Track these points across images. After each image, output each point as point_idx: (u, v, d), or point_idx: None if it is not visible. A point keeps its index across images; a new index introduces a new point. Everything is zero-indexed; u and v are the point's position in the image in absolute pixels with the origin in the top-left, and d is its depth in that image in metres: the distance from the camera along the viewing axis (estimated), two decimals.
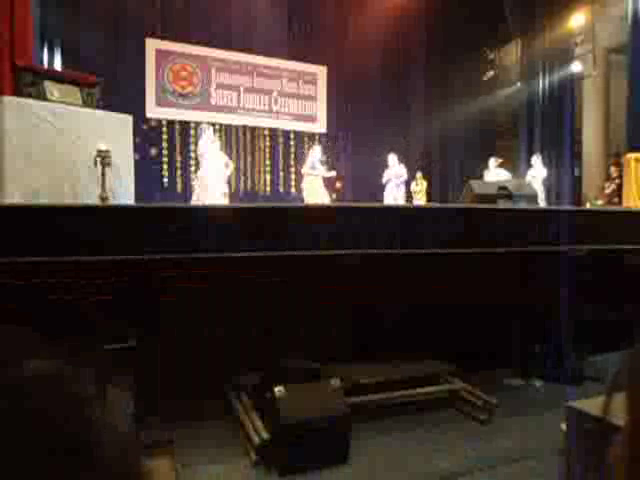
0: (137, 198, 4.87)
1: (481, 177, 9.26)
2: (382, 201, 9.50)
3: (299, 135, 11.50)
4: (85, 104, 4.52)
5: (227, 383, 3.00)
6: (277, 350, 2.97)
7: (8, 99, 3.94)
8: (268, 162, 11.15)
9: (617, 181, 8.37)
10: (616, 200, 8.17)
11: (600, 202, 9.04)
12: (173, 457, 2.21)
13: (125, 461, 0.41)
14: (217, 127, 10.04)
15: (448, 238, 3.10)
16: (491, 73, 11.87)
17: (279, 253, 2.69)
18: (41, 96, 4.17)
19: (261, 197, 10.86)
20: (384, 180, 9.64)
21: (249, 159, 10.96)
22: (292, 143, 11.43)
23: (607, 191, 8.72)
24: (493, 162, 9.48)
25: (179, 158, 10.18)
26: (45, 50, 8.37)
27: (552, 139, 10.42)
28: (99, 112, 4.56)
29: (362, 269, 3.07)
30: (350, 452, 2.47)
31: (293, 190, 11.19)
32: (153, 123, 10.01)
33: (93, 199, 4.10)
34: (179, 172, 10.15)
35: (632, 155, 7.34)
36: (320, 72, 11.79)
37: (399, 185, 9.63)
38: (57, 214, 2.43)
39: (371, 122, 11.44)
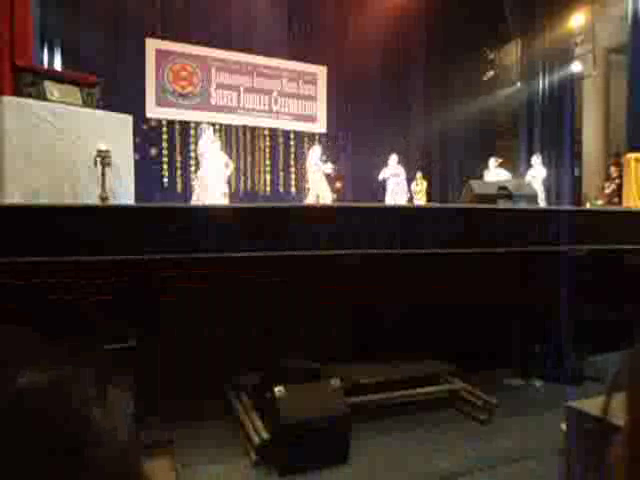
0: (137, 198, 4.86)
1: (481, 177, 9.27)
2: (382, 201, 9.52)
3: (299, 135, 11.51)
4: (85, 104, 4.51)
5: (227, 383, 3.00)
6: (277, 350, 2.97)
7: (8, 99, 3.93)
8: (268, 162, 11.15)
9: (617, 181, 8.37)
10: (616, 200, 8.17)
11: (600, 202, 9.05)
12: (173, 457, 2.21)
13: (125, 461, 0.41)
14: (217, 127, 10.04)
15: (448, 238, 3.09)
16: (491, 73, 11.87)
17: (279, 253, 2.69)
18: (41, 96, 4.16)
19: (261, 197, 10.87)
20: (380, 177, 9.73)
21: (249, 159, 10.96)
22: (292, 143, 11.44)
23: (607, 191, 8.72)
24: (493, 162, 9.49)
25: (179, 158, 10.18)
26: (45, 50, 8.38)
27: (552, 139, 10.42)
28: (99, 112, 4.56)
29: (362, 269, 3.07)
30: (350, 452, 2.47)
31: (293, 190, 11.20)
32: (153, 123, 10.02)
33: (93, 199, 4.09)
34: (179, 172, 10.16)
35: (632, 155, 7.34)
36: (320, 72, 11.79)
37: (399, 184, 9.68)
38: (57, 214, 2.43)
39: (371, 122, 11.44)
